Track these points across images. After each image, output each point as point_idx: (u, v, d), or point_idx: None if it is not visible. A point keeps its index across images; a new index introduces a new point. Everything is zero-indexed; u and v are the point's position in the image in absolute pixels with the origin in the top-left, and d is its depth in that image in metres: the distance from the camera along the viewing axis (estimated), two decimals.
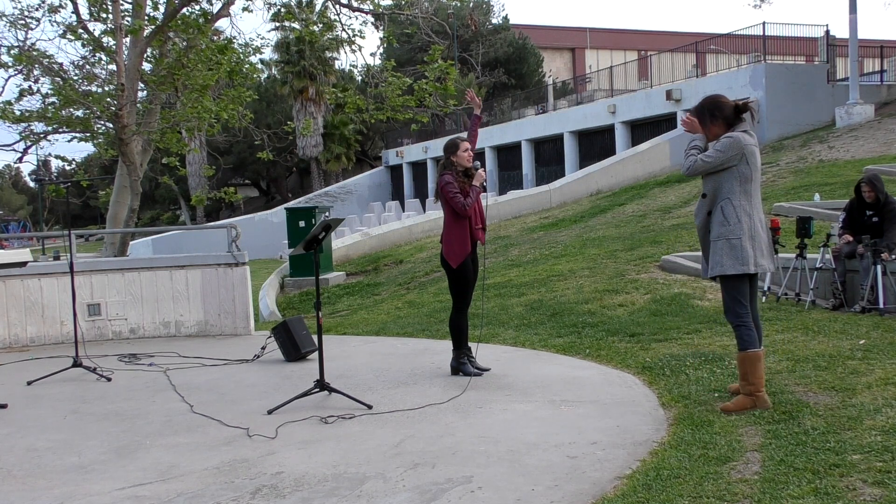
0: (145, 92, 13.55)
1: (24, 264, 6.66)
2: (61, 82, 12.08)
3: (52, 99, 12.27)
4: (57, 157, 23.42)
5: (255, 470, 4.01)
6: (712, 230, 4.53)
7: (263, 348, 7.17)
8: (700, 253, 4.99)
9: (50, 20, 16.93)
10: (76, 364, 6.49)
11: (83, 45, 12.60)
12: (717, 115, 4.58)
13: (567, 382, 5.51)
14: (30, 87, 12.44)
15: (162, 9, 12.08)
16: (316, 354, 5.46)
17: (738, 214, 4.45)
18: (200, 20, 11.59)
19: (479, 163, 5.97)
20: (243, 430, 4.72)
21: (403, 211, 31.17)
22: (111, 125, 12.28)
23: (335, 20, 13.84)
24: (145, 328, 8.50)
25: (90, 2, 12.06)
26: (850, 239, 7.62)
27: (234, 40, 13.00)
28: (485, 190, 5.95)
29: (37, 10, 12.49)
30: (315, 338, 5.71)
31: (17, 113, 12.17)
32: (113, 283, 8.42)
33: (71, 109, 12.46)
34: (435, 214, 19.80)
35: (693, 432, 4.12)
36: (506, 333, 7.50)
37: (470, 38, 42.27)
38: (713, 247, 4.53)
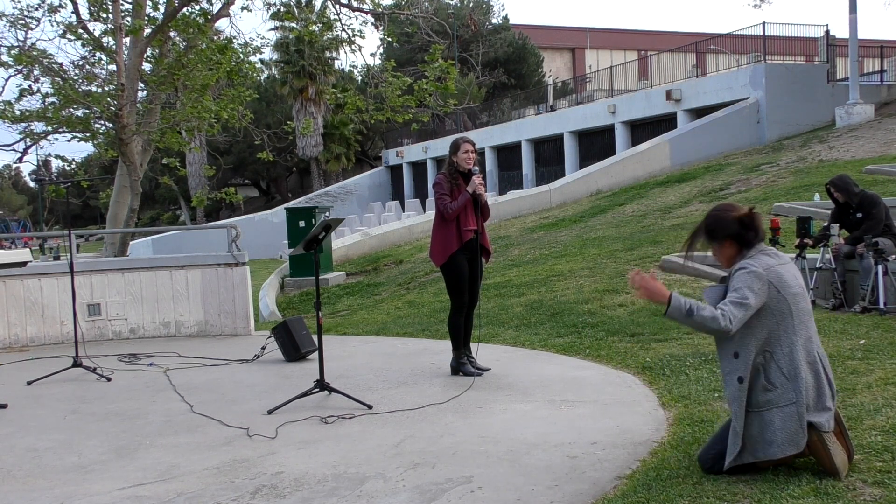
0: (145, 92, 13.55)
1: (24, 264, 6.66)
2: (61, 82, 12.08)
3: (52, 99, 12.28)
4: (57, 157, 23.44)
5: (255, 470, 4.01)
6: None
7: (263, 348, 7.17)
8: None
9: (50, 20, 16.95)
10: (76, 364, 6.49)
11: (83, 45, 12.61)
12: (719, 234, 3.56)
13: (567, 382, 5.51)
14: (30, 87, 12.45)
15: (162, 9, 12.08)
16: (316, 354, 5.46)
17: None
18: (200, 20, 11.59)
19: (477, 168, 5.85)
20: (243, 430, 4.72)
21: (403, 211, 31.16)
22: (111, 125, 12.28)
23: (335, 20, 13.85)
24: (145, 328, 8.50)
25: (90, 2, 12.06)
26: (843, 241, 7.71)
27: (234, 40, 13.01)
28: (477, 197, 5.77)
29: (37, 10, 12.50)
30: (315, 338, 5.71)
31: (17, 113, 12.17)
32: (113, 283, 8.42)
33: (71, 109, 12.47)
34: None
35: (693, 432, 4.12)
36: (506, 333, 7.50)
37: (470, 38, 42.27)
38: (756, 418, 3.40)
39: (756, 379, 3.40)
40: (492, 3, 47.32)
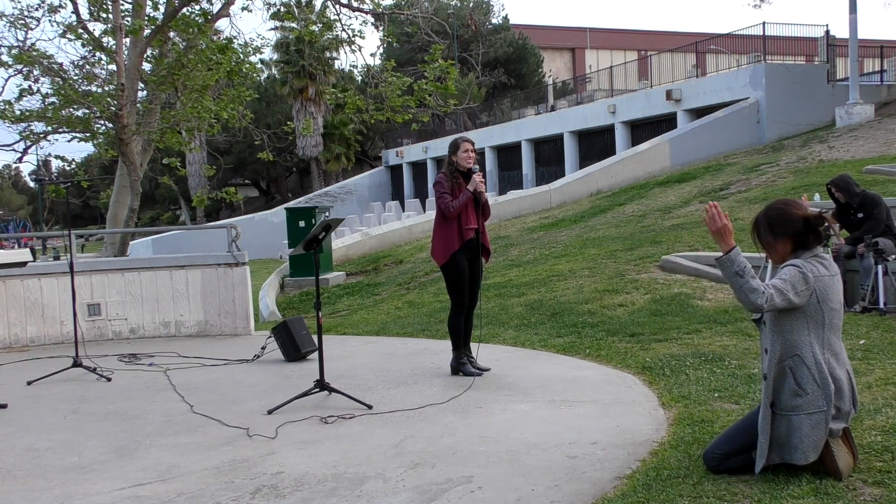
0: (145, 92, 13.55)
1: (24, 264, 6.66)
2: (61, 82, 12.08)
3: (52, 99, 12.28)
4: (57, 157, 23.43)
5: (255, 470, 4.01)
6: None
7: (263, 348, 7.17)
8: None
9: (50, 20, 16.95)
10: (76, 364, 6.49)
11: (83, 45, 12.61)
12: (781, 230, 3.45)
13: (567, 382, 5.51)
14: (30, 87, 12.46)
15: (162, 9, 12.08)
16: (316, 354, 5.46)
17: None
18: (200, 20, 11.59)
19: (478, 166, 5.89)
20: (243, 430, 4.72)
21: (403, 211, 31.16)
22: (111, 125, 12.28)
23: (335, 20, 13.85)
24: (145, 328, 8.50)
25: (90, 2, 12.07)
26: (843, 242, 7.71)
27: (234, 40, 13.01)
28: (478, 195, 5.80)
29: (37, 10, 12.51)
30: (315, 338, 5.71)
31: (17, 113, 12.17)
32: (113, 283, 8.42)
33: (71, 109, 12.47)
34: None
35: (693, 432, 4.12)
36: (506, 333, 7.50)
37: (470, 38, 42.27)
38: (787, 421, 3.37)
39: (785, 382, 3.37)
40: (492, 3, 47.35)
